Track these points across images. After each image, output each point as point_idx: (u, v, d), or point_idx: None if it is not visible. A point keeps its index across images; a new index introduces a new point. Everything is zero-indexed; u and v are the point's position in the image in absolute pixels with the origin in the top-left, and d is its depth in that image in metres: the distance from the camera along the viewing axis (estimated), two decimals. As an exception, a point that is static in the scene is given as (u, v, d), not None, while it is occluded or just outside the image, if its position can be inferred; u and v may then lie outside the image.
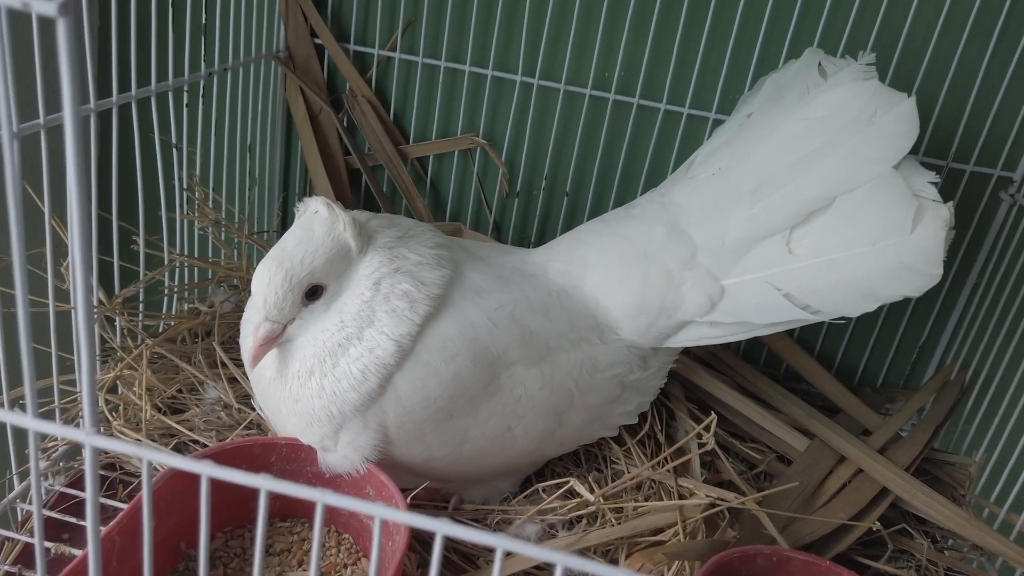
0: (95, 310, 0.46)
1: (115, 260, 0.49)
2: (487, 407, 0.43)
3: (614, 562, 0.41)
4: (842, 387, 0.62)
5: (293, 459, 0.41)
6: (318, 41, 0.63)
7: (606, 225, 0.50)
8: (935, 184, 0.42)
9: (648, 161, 0.61)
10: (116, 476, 0.46)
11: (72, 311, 0.45)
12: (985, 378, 0.58)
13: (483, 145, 0.63)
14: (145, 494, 0.24)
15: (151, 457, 0.24)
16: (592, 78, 0.60)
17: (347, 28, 0.63)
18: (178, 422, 0.46)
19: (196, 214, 0.55)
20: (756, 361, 0.65)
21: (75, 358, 0.46)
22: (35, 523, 0.26)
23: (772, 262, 0.44)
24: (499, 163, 0.64)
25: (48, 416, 0.45)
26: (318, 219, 0.41)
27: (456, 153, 0.65)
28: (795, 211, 0.44)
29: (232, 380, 0.49)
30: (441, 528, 0.21)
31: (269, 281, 0.40)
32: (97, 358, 0.49)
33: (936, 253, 0.40)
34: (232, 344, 0.53)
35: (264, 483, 0.24)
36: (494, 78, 0.61)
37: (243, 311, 0.57)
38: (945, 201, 0.41)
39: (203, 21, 0.52)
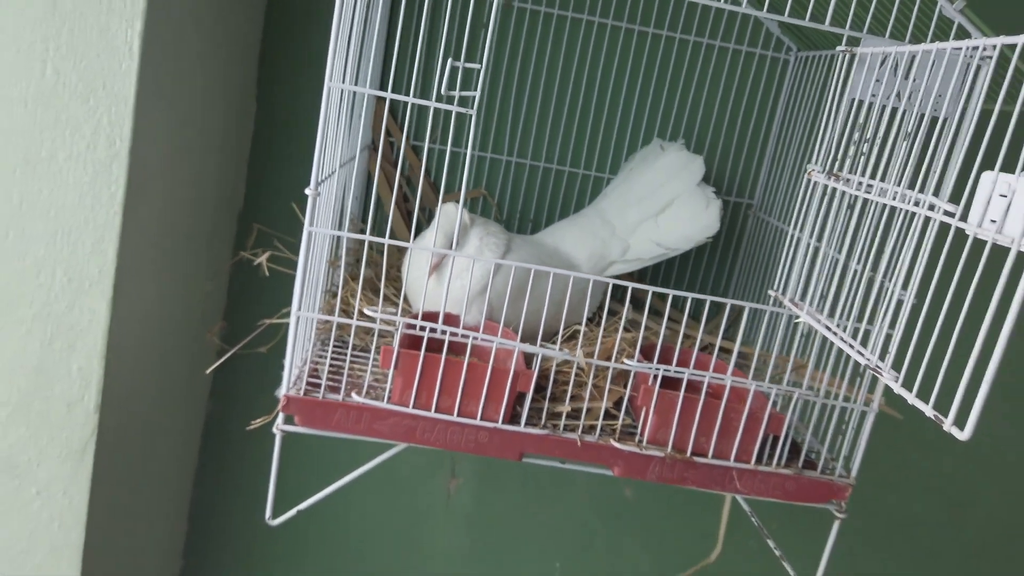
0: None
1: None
2: (529, 296, 0.91)
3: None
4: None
5: (451, 321, 0.86)
6: (391, 139, 1.11)
7: (571, 221, 1.01)
8: (715, 192, 0.96)
9: (575, 200, 1.14)
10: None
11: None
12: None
13: (484, 194, 1.14)
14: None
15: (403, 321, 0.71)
16: (556, 155, 1.13)
17: (411, 128, 1.12)
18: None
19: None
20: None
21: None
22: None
23: (649, 230, 0.97)
24: (492, 204, 1.14)
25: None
26: (450, 211, 0.89)
27: (470, 200, 1.14)
28: (658, 207, 0.97)
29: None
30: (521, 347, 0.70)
31: (438, 234, 0.87)
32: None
33: (716, 217, 0.94)
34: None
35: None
36: (492, 159, 1.12)
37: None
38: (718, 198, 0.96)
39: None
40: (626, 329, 1.00)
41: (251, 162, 1.12)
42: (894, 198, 0.62)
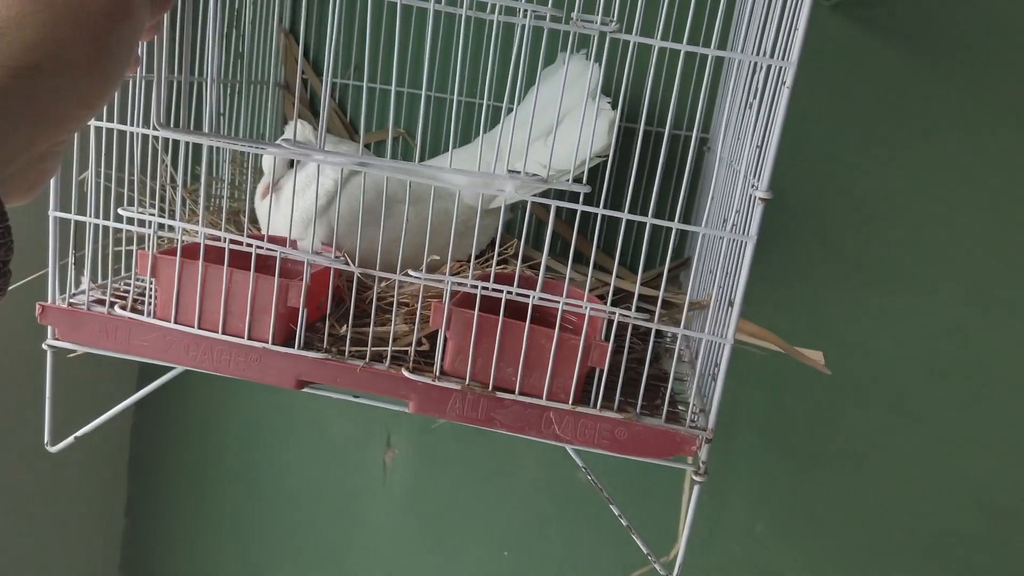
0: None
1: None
2: (385, 222, 0.80)
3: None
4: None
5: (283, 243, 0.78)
6: (304, 76, 1.05)
7: (461, 148, 0.89)
8: (609, 102, 0.81)
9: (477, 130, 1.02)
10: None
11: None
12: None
13: (402, 134, 1.04)
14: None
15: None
16: (458, 89, 1.02)
17: (321, 65, 1.05)
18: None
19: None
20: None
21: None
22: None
23: (539, 151, 0.83)
24: (413, 144, 1.04)
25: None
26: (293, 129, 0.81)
27: (389, 139, 1.05)
28: (548, 126, 0.84)
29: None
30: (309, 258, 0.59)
31: (274, 157, 0.78)
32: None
33: (609, 130, 0.79)
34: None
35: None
36: (407, 93, 1.03)
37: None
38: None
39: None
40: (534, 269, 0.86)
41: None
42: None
